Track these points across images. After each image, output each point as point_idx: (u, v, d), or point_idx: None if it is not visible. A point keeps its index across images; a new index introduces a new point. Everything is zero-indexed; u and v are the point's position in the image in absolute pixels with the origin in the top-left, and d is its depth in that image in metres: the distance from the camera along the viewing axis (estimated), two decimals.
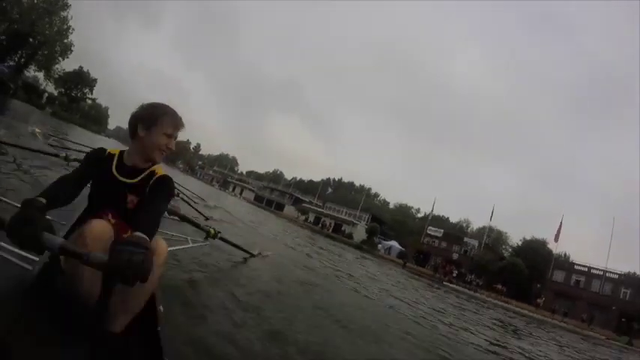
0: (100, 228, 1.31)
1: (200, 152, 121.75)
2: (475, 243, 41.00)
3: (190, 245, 3.03)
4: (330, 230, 43.61)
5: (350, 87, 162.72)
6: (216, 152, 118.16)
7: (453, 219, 78.53)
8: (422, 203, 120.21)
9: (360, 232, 45.23)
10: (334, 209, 53.85)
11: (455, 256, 38.91)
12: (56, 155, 4.07)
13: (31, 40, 43.39)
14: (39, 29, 43.35)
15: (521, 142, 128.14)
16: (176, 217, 3.25)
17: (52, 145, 7.24)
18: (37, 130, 8.98)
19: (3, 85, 35.58)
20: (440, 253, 40.22)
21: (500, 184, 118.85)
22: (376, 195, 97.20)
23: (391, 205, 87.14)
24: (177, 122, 1.58)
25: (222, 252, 4.63)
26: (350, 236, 43.69)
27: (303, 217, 53.63)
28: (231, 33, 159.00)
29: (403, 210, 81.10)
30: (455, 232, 49.99)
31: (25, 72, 46.82)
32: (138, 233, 1.09)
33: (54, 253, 1.13)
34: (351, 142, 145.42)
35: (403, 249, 40.95)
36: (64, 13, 46.18)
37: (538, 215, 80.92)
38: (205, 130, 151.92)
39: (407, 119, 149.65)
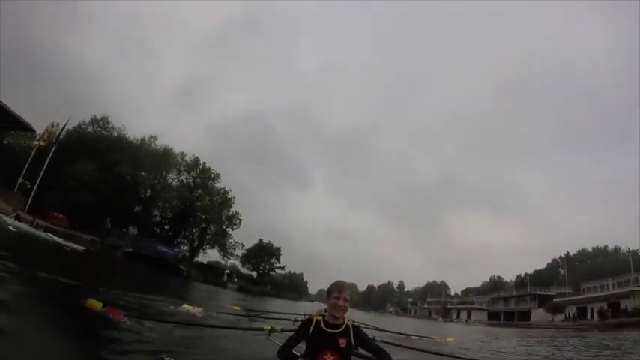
0: None
1: (405, 289, 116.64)
2: None
3: None
4: (609, 316, 33.08)
5: (512, 137, 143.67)
6: (421, 283, 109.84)
7: None
8: None
9: None
10: (596, 288, 41.40)
11: None
12: (260, 329, 4.49)
13: (191, 219, 43.55)
14: (199, 207, 43.78)
15: None
16: None
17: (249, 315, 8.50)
18: (235, 307, 10.10)
19: (173, 268, 34.95)
20: None
21: None
22: (616, 249, 69.55)
23: None
24: (339, 287, 2.51)
25: None
26: (636, 312, 31.74)
27: (561, 317, 42.92)
28: (366, 160, 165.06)
29: None
30: None
31: (202, 252, 46.64)
32: None
33: None
34: (545, 202, 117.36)
35: None
36: (218, 185, 45.98)
37: None
38: (400, 265, 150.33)
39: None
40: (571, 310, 41.46)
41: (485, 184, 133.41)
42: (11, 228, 18.36)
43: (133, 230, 40.44)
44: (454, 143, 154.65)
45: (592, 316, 37.15)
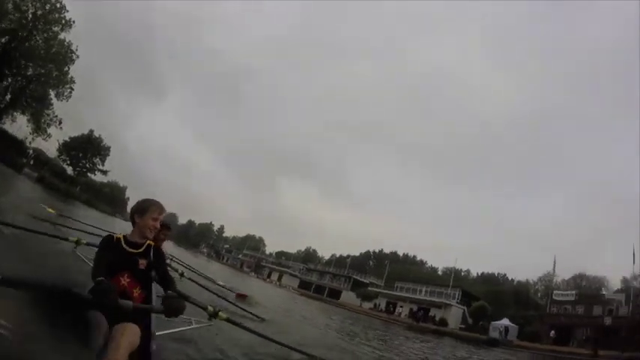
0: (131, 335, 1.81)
1: (224, 234, 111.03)
2: (621, 298, 31.02)
3: (194, 326, 3.19)
4: (420, 319, 34.11)
5: (364, 141, 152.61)
6: (241, 234, 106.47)
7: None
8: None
9: (454, 316, 35.75)
10: (409, 289, 44.08)
11: (607, 321, 28.59)
12: (66, 239, 4.28)
13: (11, 64, 29.73)
14: (25, 51, 29.84)
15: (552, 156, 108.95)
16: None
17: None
18: (50, 209, 8.95)
19: None
20: (584, 322, 29.94)
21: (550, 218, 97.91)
22: (422, 261, 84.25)
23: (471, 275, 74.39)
24: (160, 209, 2.30)
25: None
26: (443, 323, 34.19)
27: (369, 305, 44.30)
28: (235, 96, 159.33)
29: (486, 279, 68.04)
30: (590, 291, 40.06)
31: (9, 119, 32.05)
32: (170, 292, 2.11)
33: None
34: (375, 205, 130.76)
35: (515, 326, 31.50)
36: (62, 35, 31.33)
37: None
38: (225, 209, 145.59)
39: (430, 161, 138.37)
40: (381, 302, 42.86)
41: (325, 164, 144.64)
42: None
43: None
44: (321, 118, 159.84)
45: (400, 314, 38.56)
